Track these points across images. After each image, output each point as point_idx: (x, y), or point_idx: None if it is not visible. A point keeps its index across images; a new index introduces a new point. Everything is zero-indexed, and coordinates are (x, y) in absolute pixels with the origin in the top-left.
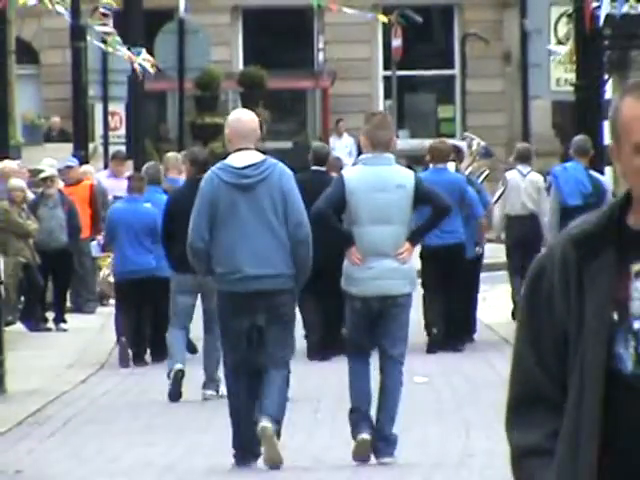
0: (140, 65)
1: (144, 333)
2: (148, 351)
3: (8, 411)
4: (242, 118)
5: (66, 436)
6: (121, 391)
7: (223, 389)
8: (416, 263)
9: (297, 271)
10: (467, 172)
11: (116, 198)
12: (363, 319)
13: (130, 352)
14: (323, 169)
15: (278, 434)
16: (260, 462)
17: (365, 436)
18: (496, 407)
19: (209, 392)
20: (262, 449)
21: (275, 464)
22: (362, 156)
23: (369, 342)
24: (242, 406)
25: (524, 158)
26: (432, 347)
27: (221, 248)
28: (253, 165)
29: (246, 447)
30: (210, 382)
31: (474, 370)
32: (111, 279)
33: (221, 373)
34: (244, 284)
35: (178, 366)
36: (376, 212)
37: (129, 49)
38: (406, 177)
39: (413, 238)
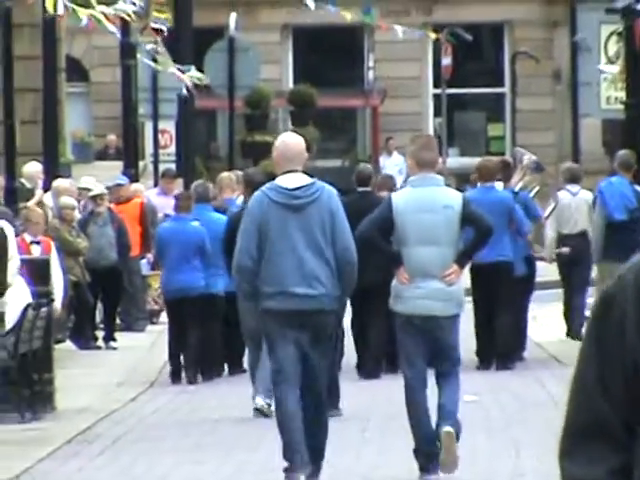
0: (191, 79)
1: (193, 351)
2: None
3: (58, 429)
4: (288, 141)
5: (115, 454)
6: (171, 409)
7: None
8: (465, 281)
9: (341, 292)
10: (517, 187)
11: (166, 216)
12: (411, 337)
13: (180, 369)
14: (368, 189)
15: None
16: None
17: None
18: (546, 426)
19: (266, 401)
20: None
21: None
22: (410, 178)
23: (422, 358)
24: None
25: (573, 178)
26: (482, 364)
27: (270, 267)
28: (304, 187)
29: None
30: (267, 392)
31: (523, 388)
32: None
33: None
34: (291, 302)
35: (264, 402)
36: (423, 233)
37: (178, 69)
38: (453, 198)
39: (460, 260)
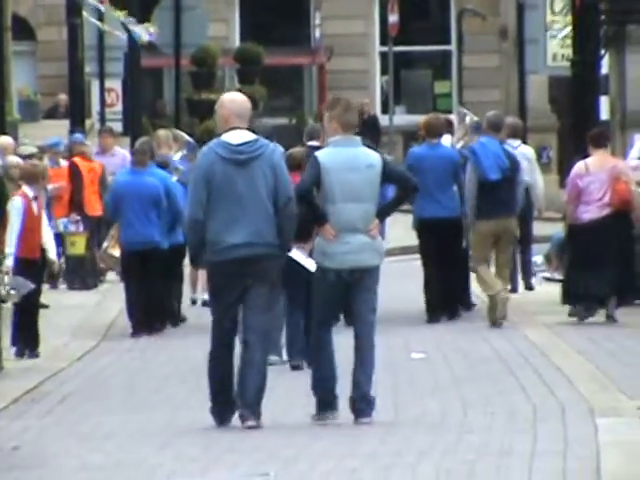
0: (146, 29)
1: (151, 303)
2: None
3: (4, 388)
4: (237, 99)
5: (63, 413)
6: (119, 367)
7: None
8: (411, 236)
9: (281, 242)
10: (458, 145)
11: None
12: (336, 292)
13: (142, 321)
14: (317, 144)
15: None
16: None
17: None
18: (493, 383)
19: (273, 357)
20: None
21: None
22: (333, 138)
23: (336, 315)
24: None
25: (514, 133)
26: (432, 319)
27: (215, 219)
28: (248, 142)
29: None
30: (274, 347)
31: (470, 345)
32: (112, 252)
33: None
34: (235, 252)
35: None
36: (349, 190)
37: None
38: (375, 158)
39: (381, 215)
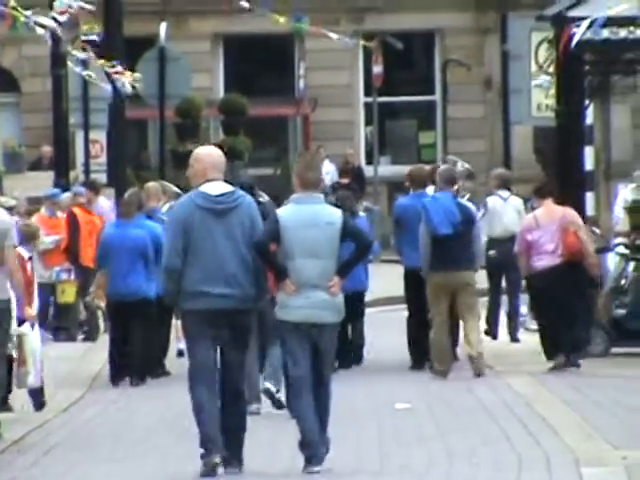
0: (132, 80)
1: (138, 354)
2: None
3: None
4: (213, 152)
5: (49, 464)
6: (104, 418)
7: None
8: (397, 286)
9: (257, 292)
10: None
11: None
12: (297, 340)
13: (122, 372)
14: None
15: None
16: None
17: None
18: (478, 433)
19: (254, 406)
20: None
21: None
22: (294, 195)
23: (306, 361)
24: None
25: (504, 183)
26: (415, 367)
27: (192, 268)
28: (226, 194)
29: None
30: (254, 397)
31: (454, 394)
32: (97, 302)
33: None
34: (211, 302)
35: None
36: (308, 247)
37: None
38: (334, 215)
39: (341, 272)
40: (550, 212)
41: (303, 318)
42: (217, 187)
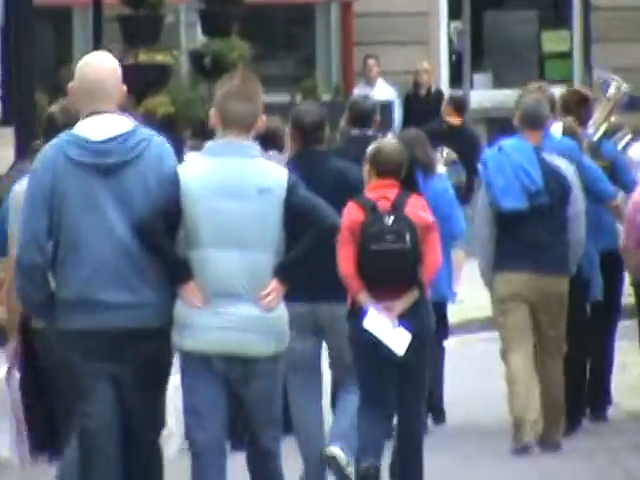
0: None
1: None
2: None
3: None
4: (93, 63)
5: None
6: None
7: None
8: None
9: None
10: (598, 133)
11: None
12: (206, 385)
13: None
14: (369, 132)
15: None
16: None
17: None
18: None
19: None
20: None
21: None
22: (210, 142)
23: (219, 420)
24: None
25: None
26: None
27: (67, 263)
28: (118, 137)
29: None
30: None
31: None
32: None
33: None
34: (101, 317)
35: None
36: (224, 229)
37: None
38: (274, 176)
39: (281, 273)
40: None
41: (215, 346)
42: (103, 126)
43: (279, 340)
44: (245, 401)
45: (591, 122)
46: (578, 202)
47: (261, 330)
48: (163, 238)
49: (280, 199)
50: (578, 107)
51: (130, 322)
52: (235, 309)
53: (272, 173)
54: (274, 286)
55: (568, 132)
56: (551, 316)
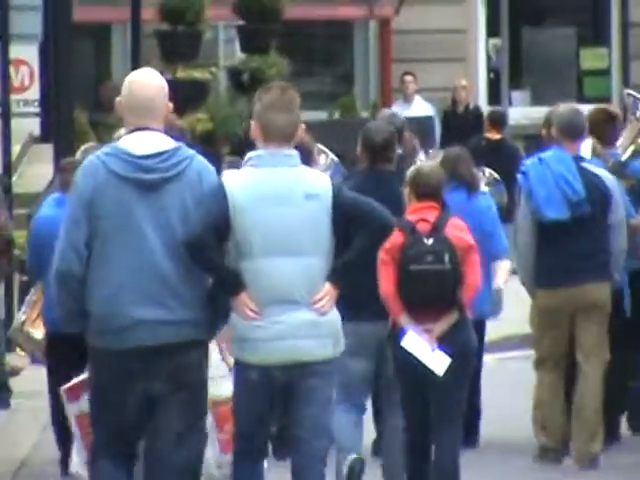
0: None
1: None
2: None
3: None
4: (140, 80)
5: None
6: None
7: None
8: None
9: (216, 316)
10: (627, 153)
11: None
12: (261, 399)
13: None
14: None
15: None
16: None
17: None
18: None
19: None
20: None
21: None
22: (251, 153)
23: (264, 434)
24: None
25: None
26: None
27: (100, 277)
28: (161, 154)
29: None
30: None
31: None
32: (30, 330)
33: None
34: (134, 335)
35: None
36: (275, 237)
37: None
38: (320, 183)
39: (335, 277)
40: None
41: (274, 357)
42: (146, 142)
43: (335, 343)
44: (298, 400)
45: (619, 141)
46: (619, 210)
47: (317, 334)
48: (215, 252)
49: (328, 203)
50: (604, 126)
51: (161, 338)
52: (290, 316)
53: (317, 179)
54: (327, 290)
55: (593, 153)
56: (593, 323)
